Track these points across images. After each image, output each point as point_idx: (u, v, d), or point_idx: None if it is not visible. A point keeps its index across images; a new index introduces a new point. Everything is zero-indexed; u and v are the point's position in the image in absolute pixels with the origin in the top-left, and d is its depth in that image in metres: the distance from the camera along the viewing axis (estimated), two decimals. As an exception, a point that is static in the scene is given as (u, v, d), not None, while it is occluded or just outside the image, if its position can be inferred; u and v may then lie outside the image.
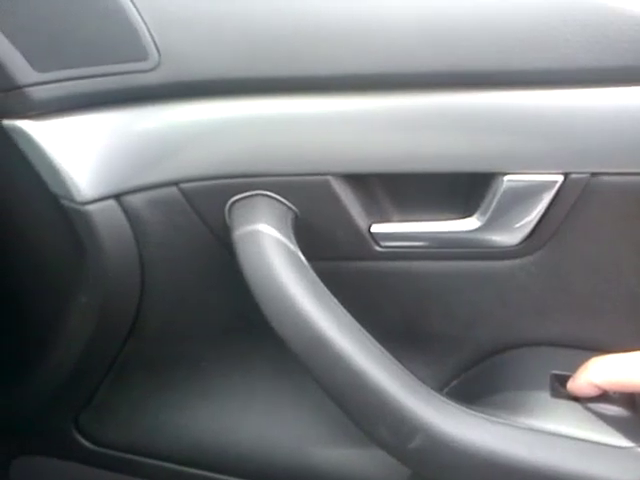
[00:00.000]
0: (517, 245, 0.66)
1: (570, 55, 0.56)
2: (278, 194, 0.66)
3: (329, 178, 0.65)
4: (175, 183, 0.67)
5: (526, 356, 0.72)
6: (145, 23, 0.60)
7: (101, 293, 0.72)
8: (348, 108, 0.62)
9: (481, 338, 0.73)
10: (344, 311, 0.63)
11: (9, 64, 0.60)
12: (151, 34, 0.61)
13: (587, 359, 0.61)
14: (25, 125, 0.62)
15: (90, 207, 0.65)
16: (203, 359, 0.83)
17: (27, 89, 0.60)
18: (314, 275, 0.64)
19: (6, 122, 0.62)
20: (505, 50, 0.57)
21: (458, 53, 0.57)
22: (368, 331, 0.62)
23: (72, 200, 0.65)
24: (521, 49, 0.56)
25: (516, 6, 0.56)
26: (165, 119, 0.65)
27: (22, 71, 0.60)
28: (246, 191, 0.67)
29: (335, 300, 0.63)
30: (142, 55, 0.61)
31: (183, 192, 0.67)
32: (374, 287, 0.72)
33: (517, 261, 0.67)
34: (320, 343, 0.59)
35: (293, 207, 0.67)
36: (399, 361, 0.62)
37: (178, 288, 0.74)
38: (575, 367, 0.62)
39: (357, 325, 0.62)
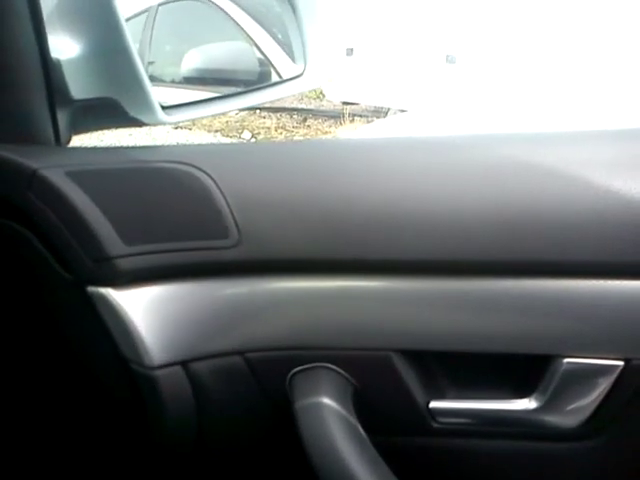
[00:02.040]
0: (576, 428, 0.66)
1: (625, 249, 0.60)
2: (339, 367, 0.68)
3: (390, 354, 0.67)
4: (240, 352, 0.69)
5: None
6: (228, 205, 0.66)
7: (157, 452, 0.72)
8: (412, 289, 0.66)
9: None
10: None
11: (102, 236, 0.65)
12: (233, 215, 0.66)
13: None
14: (107, 292, 0.66)
15: (157, 372, 0.67)
16: None
17: (115, 260, 0.65)
18: (373, 450, 0.65)
19: (91, 289, 0.66)
20: (566, 241, 0.61)
21: (523, 244, 0.62)
22: None
23: (141, 364, 0.67)
24: (581, 241, 0.61)
25: (576, 205, 0.61)
26: (237, 292, 0.68)
27: (113, 243, 0.65)
28: (308, 363, 0.69)
29: (393, 476, 0.63)
30: (223, 233, 0.66)
31: (247, 361, 0.69)
32: (431, 464, 0.71)
33: (576, 444, 0.67)
34: None
35: (353, 380, 0.68)
36: None
37: (233, 454, 0.74)
38: None
39: None
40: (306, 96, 7.40)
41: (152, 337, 0.67)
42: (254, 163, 0.71)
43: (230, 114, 6.53)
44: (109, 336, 0.68)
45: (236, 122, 6.51)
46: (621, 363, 0.63)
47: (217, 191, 0.67)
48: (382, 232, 0.64)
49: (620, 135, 0.69)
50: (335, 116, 6.58)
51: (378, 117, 6.23)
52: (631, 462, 0.67)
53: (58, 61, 0.73)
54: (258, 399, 0.71)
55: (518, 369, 0.68)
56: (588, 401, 0.64)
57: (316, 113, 6.92)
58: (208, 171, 0.67)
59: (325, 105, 7.09)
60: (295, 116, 6.82)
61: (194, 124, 6.23)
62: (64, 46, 0.73)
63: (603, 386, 0.64)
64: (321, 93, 7.10)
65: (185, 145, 0.87)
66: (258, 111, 6.76)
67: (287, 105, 6.96)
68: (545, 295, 0.63)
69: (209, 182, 0.67)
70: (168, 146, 0.79)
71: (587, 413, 0.65)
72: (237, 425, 0.72)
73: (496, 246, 0.63)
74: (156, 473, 0.74)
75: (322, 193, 0.67)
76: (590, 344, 0.63)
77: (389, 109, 6.21)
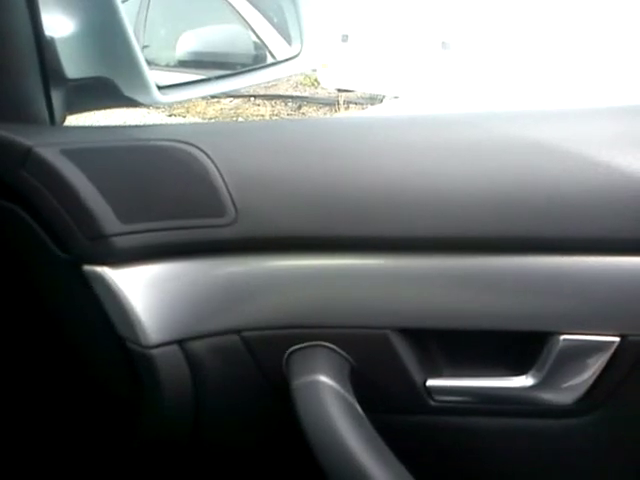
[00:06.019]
0: (572, 404, 0.66)
1: (623, 226, 0.60)
2: (337, 345, 0.68)
3: (388, 332, 0.67)
4: (237, 331, 0.69)
5: None
6: (225, 183, 0.66)
7: (154, 431, 0.73)
8: (409, 267, 0.66)
9: None
10: (400, 465, 0.63)
11: (98, 214, 0.65)
12: (230, 193, 0.66)
13: None
14: (104, 271, 0.66)
15: (154, 351, 0.67)
16: None
17: (111, 238, 0.65)
18: (371, 427, 0.65)
19: (87, 267, 0.66)
20: (564, 218, 0.61)
21: (521, 221, 0.62)
22: None
23: (137, 343, 0.67)
24: (579, 218, 0.61)
25: (575, 182, 0.61)
26: (234, 270, 0.68)
27: (109, 221, 0.65)
28: (305, 341, 0.69)
29: (391, 453, 0.63)
30: (220, 212, 0.66)
31: (244, 340, 0.69)
32: (428, 442, 0.71)
33: (573, 420, 0.67)
34: None
35: (350, 359, 0.69)
36: None
37: (230, 433, 0.75)
38: None
39: (412, 479, 0.62)
40: (301, 83, 7.37)
41: (149, 316, 0.66)
42: (251, 141, 0.70)
43: (224, 102, 6.50)
44: (105, 315, 0.68)
45: (230, 110, 6.47)
46: (617, 339, 0.63)
47: (214, 169, 0.66)
48: (379, 210, 0.64)
49: (620, 112, 0.69)
50: (330, 103, 6.56)
51: (373, 104, 6.22)
52: (627, 438, 0.67)
53: (52, 40, 0.72)
54: (255, 378, 0.71)
55: (515, 346, 0.68)
56: (584, 378, 0.65)
57: (311, 100, 6.89)
58: (205, 149, 0.67)
59: (320, 92, 7.05)
60: (290, 104, 6.79)
61: (188, 111, 6.20)
62: (58, 25, 0.73)
63: (599, 362, 0.64)
64: (316, 80, 7.06)
65: (182, 124, 0.87)
66: (252, 99, 6.72)
67: (282, 93, 6.93)
68: (542, 272, 0.63)
69: (206, 160, 0.66)
70: (165, 125, 0.79)
71: (583, 389, 0.65)
72: (234, 404, 0.73)
73: (494, 223, 0.63)
74: (153, 452, 0.75)
75: (319, 171, 0.66)
76: (587, 321, 0.63)
77: (384, 96, 6.19)
